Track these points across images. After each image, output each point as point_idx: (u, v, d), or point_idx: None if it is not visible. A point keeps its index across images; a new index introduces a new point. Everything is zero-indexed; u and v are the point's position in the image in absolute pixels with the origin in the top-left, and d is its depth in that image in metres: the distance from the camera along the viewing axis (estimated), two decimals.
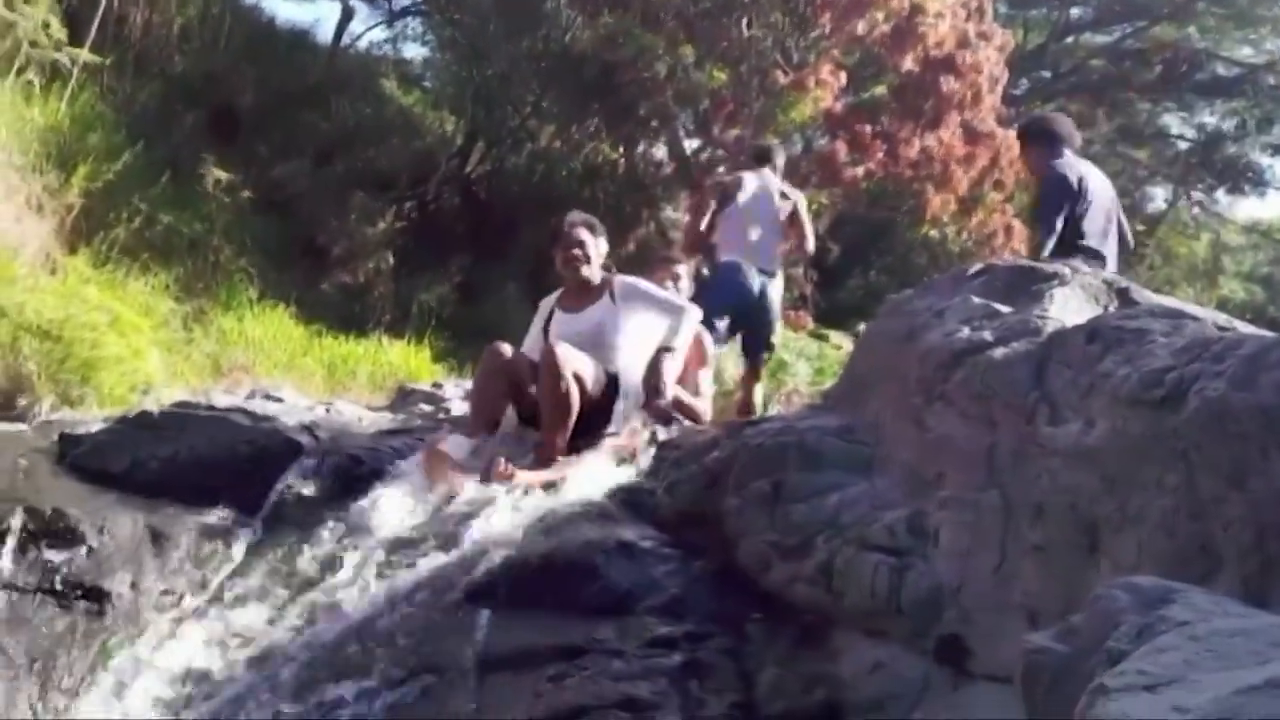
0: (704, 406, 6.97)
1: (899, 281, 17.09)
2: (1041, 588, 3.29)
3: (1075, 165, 7.38)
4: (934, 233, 19.49)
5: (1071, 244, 7.07)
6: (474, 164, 18.50)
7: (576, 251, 6.45)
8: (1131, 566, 2.89)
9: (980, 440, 3.68)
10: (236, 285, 13.24)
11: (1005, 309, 4.19)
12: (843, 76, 16.58)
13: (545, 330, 6.52)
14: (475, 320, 15.40)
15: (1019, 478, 3.50)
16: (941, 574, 3.60)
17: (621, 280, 6.54)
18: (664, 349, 6.33)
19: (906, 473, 4.05)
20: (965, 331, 4.04)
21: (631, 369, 6.25)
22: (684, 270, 7.59)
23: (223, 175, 14.05)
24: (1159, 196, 27.38)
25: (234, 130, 15.61)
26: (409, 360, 13.48)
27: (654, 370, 6.30)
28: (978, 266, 4.87)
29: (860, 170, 16.77)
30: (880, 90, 17.61)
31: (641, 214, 17.97)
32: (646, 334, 6.35)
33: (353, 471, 5.58)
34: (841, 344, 16.65)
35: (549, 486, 5.31)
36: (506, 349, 6.16)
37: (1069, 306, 4.16)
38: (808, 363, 15.44)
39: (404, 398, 9.64)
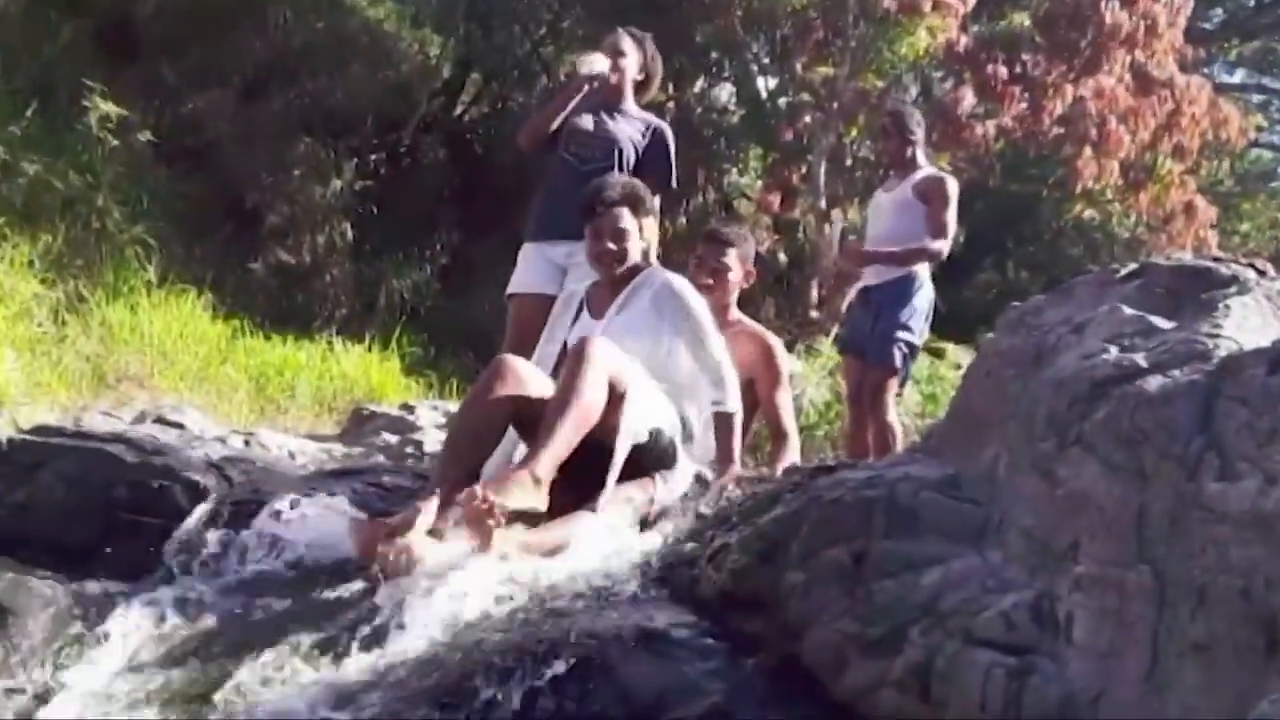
0: (792, 445, 6.96)
1: (1045, 278, 17.03)
2: (1206, 699, 3.34)
3: None
4: (1091, 213, 19.48)
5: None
6: (466, 104, 18.58)
7: (610, 245, 6.14)
8: None
9: (1128, 500, 3.74)
10: (129, 263, 13.30)
11: (1165, 324, 4.25)
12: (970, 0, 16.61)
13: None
14: (463, 318, 15.47)
15: (1177, 551, 3.55)
16: (1075, 680, 3.66)
17: (665, 281, 6.14)
18: (721, 411, 6.12)
19: (1030, 542, 4.10)
20: (1112, 353, 4.11)
21: (689, 406, 6.11)
22: (734, 256, 7.27)
23: (113, 110, 14.02)
24: None
25: (130, 49, 15.63)
26: (370, 372, 13.62)
27: (722, 435, 6.14)
28: (1131, 266, 4.91)
29: (992, 126, 16.77)
30: (1021, 20, 17.59)
31: (697, 176, 17.95)
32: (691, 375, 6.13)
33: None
34: (962, 361, 16.57)
35: (546, 551, 5.22)
36: (520, 367, 5.66)
37: (1248, 323, 4.22)
38: (915, 386, 15.35)
39: (360, 424, 9.75)
